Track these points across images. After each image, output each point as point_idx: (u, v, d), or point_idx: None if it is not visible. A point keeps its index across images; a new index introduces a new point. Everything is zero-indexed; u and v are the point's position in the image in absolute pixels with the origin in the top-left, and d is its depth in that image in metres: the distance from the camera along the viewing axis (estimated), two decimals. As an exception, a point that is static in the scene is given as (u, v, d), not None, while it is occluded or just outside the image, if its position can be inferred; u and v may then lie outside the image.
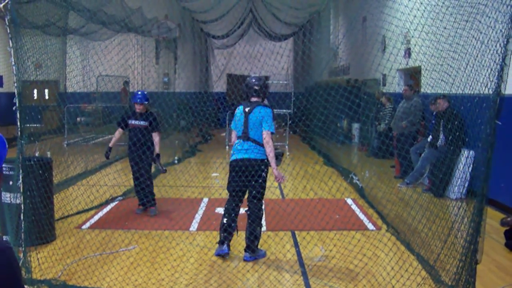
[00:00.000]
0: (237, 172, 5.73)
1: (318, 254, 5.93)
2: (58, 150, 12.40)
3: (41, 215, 5.82)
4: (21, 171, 5.38)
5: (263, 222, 7.12)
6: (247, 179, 5.68)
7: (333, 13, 19.87)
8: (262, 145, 5.67)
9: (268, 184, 9.55)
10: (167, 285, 5.00)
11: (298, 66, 21.83)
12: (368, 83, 14.88)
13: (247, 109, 5.74)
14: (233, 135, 6.00)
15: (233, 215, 5.79)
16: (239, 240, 6.36)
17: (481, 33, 4.63)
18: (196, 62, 22.45)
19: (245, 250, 5.82)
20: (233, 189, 5.84)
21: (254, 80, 5.89)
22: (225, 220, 5.78)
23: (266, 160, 5.72)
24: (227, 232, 5.78)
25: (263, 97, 5.91)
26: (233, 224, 5.77)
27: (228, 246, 5.80)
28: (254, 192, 5.75)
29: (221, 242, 5.80)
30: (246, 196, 5.91)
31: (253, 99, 5.85)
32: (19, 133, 5.36)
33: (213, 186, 9.93)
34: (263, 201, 5.92)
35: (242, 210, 5.94)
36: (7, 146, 1.86)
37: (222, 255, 5.79)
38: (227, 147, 15.18)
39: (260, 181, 5.73)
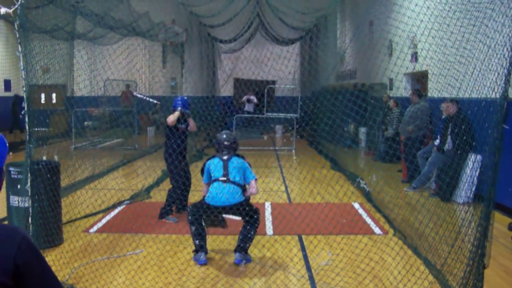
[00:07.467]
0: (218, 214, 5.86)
1: (325, 258, 5.92)
2: (65, 154, 12.43)
3: (49, 218, 5.84)
4: (29, 175, 5.44)
5: (270, 226, 7.15)
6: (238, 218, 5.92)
7: (340, 17, 19.89)
8: (241, 187, 5.77)
9: (275, 188, 9.55)
10: (174, 289, 5.01)
11: (305, 71, 21.82)
12: (375, 87, 14.87)
13: (225, 157, 5.89)
14: (206, 189, 6.01)
15: (199, 223, 5.78)
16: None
17: (488, 37, 4.63)
18: (203, 66, 22.51)
19: (237, 251, 5.70)
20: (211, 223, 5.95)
21: (225, 136, 6.00)
22: (193, 228, 5.76)
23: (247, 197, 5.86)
24: (199, 238, 5.73)
25: (234, 152, 6.02)
26: (202, 233, 5.76)
27: (206, 251, 5.76)
28: (249, 217, 5.78)
29: (196, 251, 5.78)
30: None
31: (224, 155, 5.95)
32: (27, 137, 5.41)
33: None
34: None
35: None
36: (7, 144, 1.85)
37: (201, 265, 5.70)
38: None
39: (251, 212, 5.77)
